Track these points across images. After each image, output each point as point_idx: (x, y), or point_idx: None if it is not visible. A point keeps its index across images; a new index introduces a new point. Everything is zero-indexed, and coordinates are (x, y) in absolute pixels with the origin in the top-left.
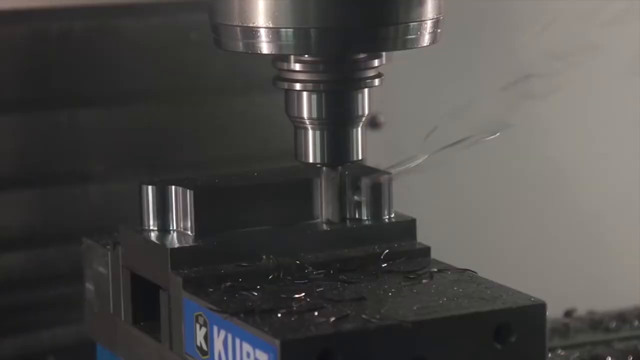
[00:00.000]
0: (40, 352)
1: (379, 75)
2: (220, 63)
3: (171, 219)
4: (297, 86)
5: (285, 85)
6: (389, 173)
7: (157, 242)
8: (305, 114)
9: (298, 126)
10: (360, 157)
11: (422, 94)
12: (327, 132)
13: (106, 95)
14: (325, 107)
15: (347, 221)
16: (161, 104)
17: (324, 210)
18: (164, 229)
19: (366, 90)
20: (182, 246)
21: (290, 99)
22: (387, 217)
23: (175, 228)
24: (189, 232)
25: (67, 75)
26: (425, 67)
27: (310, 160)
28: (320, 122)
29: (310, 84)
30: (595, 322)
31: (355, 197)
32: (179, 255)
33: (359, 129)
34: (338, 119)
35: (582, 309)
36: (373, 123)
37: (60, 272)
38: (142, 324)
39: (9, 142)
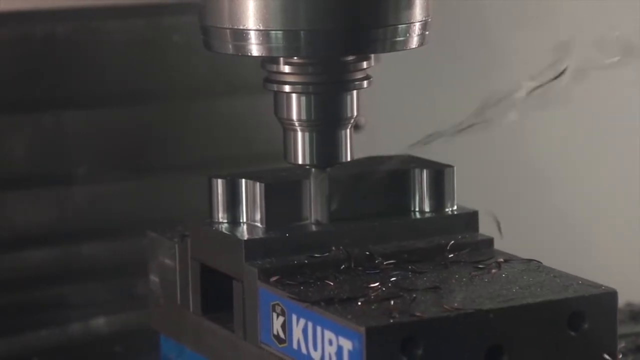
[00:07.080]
0: (24, 354)
1: (367, 77)
2: (205, 65)
3: (241, 211)
4: (287, 88)
5: (275, 87)
6: (451, 166)
7: (229, 234)
8: (294, 116)
9: (287, 128)
10: (349, 159)
11: (403, 96)
12: (316, 134)
13: (91, 97)
14: (314, 109)
15: (412, 213)
16: (146, 105)
17: (313, 211)
18: (233, 222)
19: (354, 92)
20: (255, 238)
21: (279, 101)
22: (450, 209)
23: (245, 220)
24: (259, 224)
25: (51, 78)
26: (406, 68)
27: (300, 161)
28: (310, 124)
29: (300, 86)
30: (635, 313)
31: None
32: (252, 247)
33: (347, 130)
34: (327, 121)
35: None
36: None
37: (45, 274)
38: (210, 315)
39: None
